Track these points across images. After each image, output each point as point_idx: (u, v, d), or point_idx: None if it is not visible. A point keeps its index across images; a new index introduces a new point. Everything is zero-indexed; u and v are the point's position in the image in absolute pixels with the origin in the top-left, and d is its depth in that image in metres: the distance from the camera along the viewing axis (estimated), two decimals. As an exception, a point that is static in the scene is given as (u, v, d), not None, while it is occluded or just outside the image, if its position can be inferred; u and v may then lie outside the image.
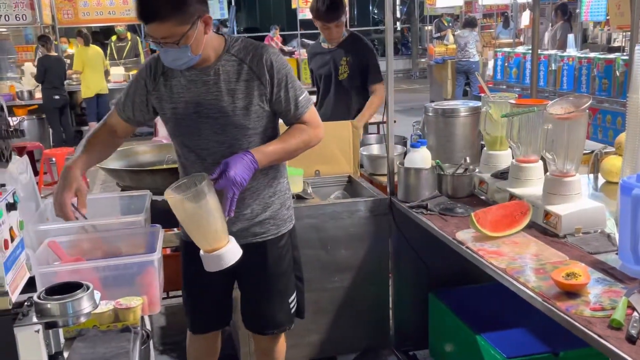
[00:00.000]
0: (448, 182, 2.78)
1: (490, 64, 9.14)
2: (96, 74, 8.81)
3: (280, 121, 2.22)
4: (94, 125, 8.73)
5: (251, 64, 2.04)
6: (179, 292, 2.59)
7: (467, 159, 2.83)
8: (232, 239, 1.94)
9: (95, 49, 9.19)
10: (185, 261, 2.29)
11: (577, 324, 1.61)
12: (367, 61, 3.79)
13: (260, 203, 2.17)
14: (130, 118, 2.18)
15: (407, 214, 2.71)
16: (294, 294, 2.33)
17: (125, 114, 2.17)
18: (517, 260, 2.04)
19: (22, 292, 1.45)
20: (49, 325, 1.45)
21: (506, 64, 8.30)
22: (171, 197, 1.86)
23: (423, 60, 16.63)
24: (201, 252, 1.95)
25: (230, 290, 2.38)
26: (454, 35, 12.52)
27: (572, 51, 7.95)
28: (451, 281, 2.92)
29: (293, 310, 2.34)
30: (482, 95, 2.90)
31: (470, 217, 2.27)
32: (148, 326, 2.10)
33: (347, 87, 3.83)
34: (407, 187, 2.76)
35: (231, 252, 1.93)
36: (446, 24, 15.03)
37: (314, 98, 2.70)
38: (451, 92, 11.70)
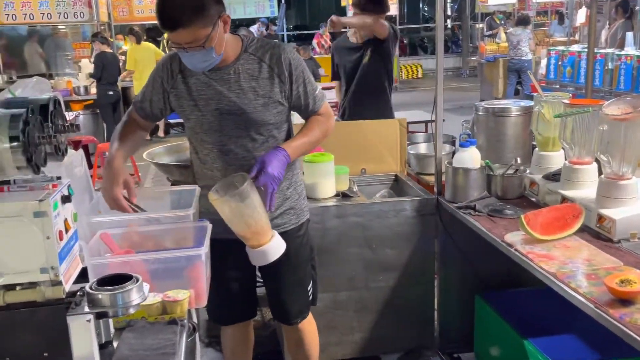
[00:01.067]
0: (497, 183, 2.73)
1: (543, 62, 8.92)
2: (148, 71, 8.98)
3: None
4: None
5: (270, 62, 2.12)
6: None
7: (518, 159, 2.79)
8: (276, 233, 2.02)
9: (146, 45, 9.37)
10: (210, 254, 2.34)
11: (631, 332, 1.56)
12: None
13: (280, 195, 2.24)
14: (149, 115, 2.25)
15: (454, 215, 2.68)
16: (311, 283, 2.44)
17: (144, 112, 2.25)
18: (568, 264, 1.99)
19: (75, 282, 1.50)
20: (100, 315, 1.49)
21: (560, 63, 8.09)
22: (216, 198, 1.92)
23: (473, 58, 16.35)
24: (247, 247, 2.01)
25: (253, 282, 2.46)
26: (506, 33, 12.26)
27: (630, 50, 7.68)
28: (498, 284, 2.87)
29: (310, 298, 2.45)
30: (535, 94, 2.84)
31: (519, 219, 2.23)
32: (194, 319, 2.13)
33: (371, 76, 3.86)
34: (455, 187, 2.73)
35: (276, 246, 2.02)
36: (498, 22, 14.76)
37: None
38: (502, 91, 11.47)
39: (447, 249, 2.92)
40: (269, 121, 2.15)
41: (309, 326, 2.49)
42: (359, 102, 3.86)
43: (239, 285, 2.37)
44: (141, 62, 8.96)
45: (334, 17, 3.72)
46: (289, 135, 2.26)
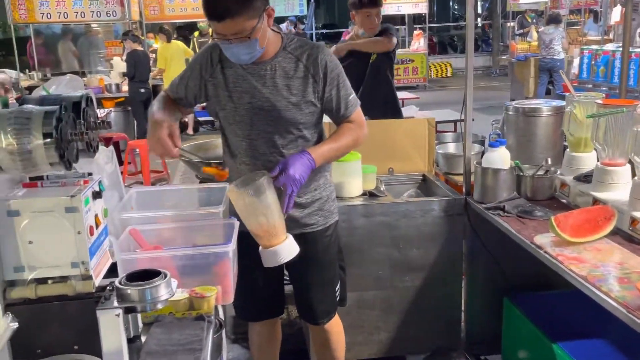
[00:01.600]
0: (527, 184, 2.70)
1: (576, 61, 8.76)
2: (178, 69, 9.08)
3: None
4: (192, 118, 9.16)
5: (307, 62, 2.11)
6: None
7: (549, 160, 2.75)
8: (290, 237, 2.01)
9: (177, 44, 9.47)
10: (238, 250, 2.35)
11: (663, 338, 1.52)
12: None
13: (308, 196, 2.24)
14: (182, 99, 2.25)
15: (483, 215, 2.65)
16: (339, 284, 2.43)
17: (177, 94, 2.25)
18: (600, 267, 1.95)
19: (105, 277, 1.52)
20: (129, 310, 1.51)
21: (593, 62, 7.93)
22: (232, 191, 1.92)
23: (504, 57, 16.17)
24: (260, 247, 2.01)
25: (281, 280, 2.46)
26: (537, 32, 12.08)
27: (666, 49, 7.50)
28: (527, 286, 2.84)
29: (337, 299, 2.44)
30: (567, 94, 2.80)
31: (550, 221, 2.19)
32: (221, 315, 2.15)
33: (379, 70, 3.93)
34: (484, 187, 2.70)
35: (287, 248, 1.99)
36: (530, 20, 14.55)
37: None
38: (533, 91, 11.31)
39: (475, 249, 2.90)
40: (300, 120, 2.14)
41: (335, 327, 2.49)
42: (371, 97, 3.87)
43: (266, 282, 2.38)
44: (171, 61, 9.07)
45: (337, 48, 3.86)
46: (320, 137, 2.25)
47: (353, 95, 2.20)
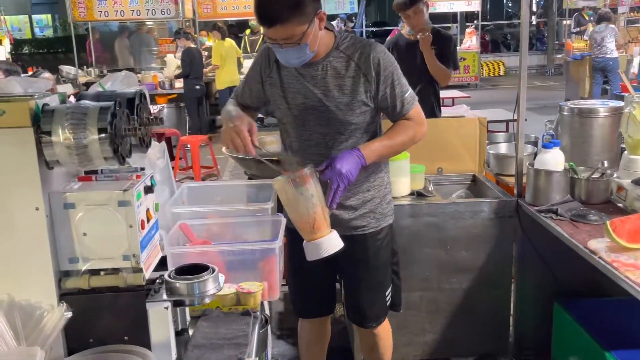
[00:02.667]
0: (582, 187, 2.62)
1: (636, 60, 8.47)
2: (230, 67, 9.22)
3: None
4: None
5: (359, 61, 2.07)
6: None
7: (605, 162, 2.67)
8: (334, 231, 1.97)
9: (230, 42, 9.60)
10: (291, 249, 2.36)
11: None
12: (447, 49, 3.92)
13: (359, 197, 2.21)
14: (248, 105, 2.27)
15: (534, 218, 2.59)
16: (390, 287, 2.38)
17: (243, 99, 2.27)
18: (658, 275, 1.88)
19: (155, 270, 1.55)
20: (177, 303, 1.55)
21: (654, 61, 7.65)
22: (276, 181, 1.91)
23: (559, 56, 15.72)
24: (304, 241, 1.99)
25: (333, 280, 2.45)
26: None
27: None
28: (579, 292, 2.75)
29: (388, 303, 2.39)
30: (626, 94, 2.71)
31: (605, 226, 2.12)
32: (267, 311, 2.17)
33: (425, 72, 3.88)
34: (537, 189, 2.64)
35: (329, 242, 1.94)
36: (587, 18, 14.11)
37: None
38: (588, 91, 10.97)
39: (525, 253, 2.83)
40: (351, 121, 2.11)
41: (384, 332, 2.45)
42: (425, 91, 3.84)
43: (319, 279, 2.37)
44: (225, 58, 9.18)
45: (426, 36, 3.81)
46: (373, 138, 2.18)
47: (409, 92, 2.13)
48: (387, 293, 2.36)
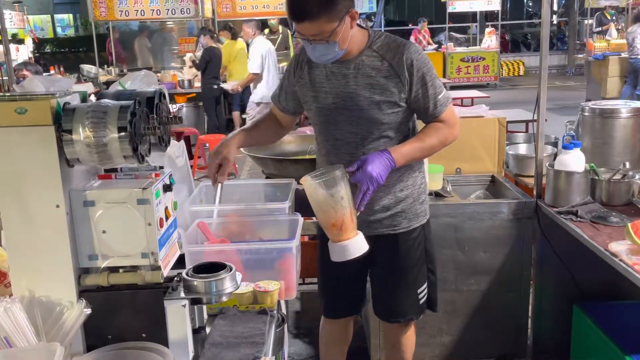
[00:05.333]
0: (603, 188, 2.59)
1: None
2: (241, 67, 9.17)
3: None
4: (237, 115, 9.18)
5: (392, 61, 2.05)
6: (315, 279, 2.68)
7: (627, 164, 2.64)
8: (360, 233, 1.97)
9: (240, 43, 9.56)
10: (322, 248, 2.35)
11: None
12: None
13: (392, 197, 2.19)
14: (285, 108, 2.28)
15: (554, 220, 2.57)
16: (424, 286, 2.34)
17: (281, 104, 2.29)
18: (680, 279, 1.85)
19: (173, 267, 1.56)
20: (195, 301, 1.55)
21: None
22: (305, 180, 1.91)
23: (580, 56, 15.56)
24: (329, 241, 1.99)
25: (363, 279, 2.42)
26: (617, 29, 11.56)
27: None
28: (599, 295, 2.72)
29: (422, 302, 2.35)
30: (650, 95, 2.67)
31: (626, 228, 2.10)
32: (283, 310, 2.17)
33: None
34: (556, 190, 2.61)
35: (355, 245, 1.94)
36: (609, 18, 13.93)
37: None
38: (617, 90, 10.81)
39: (545, 255, 2.80)
40: (382, 120, 2.08)
41: (409, 330, 2.43)
42: None
43: (351, 279, 2.36)
44: (235, 58, 9.15)
45: None
46: (406, 139, 2.15)
47: (444, 94, 2.09)
48: (419, 291, 2.32)
